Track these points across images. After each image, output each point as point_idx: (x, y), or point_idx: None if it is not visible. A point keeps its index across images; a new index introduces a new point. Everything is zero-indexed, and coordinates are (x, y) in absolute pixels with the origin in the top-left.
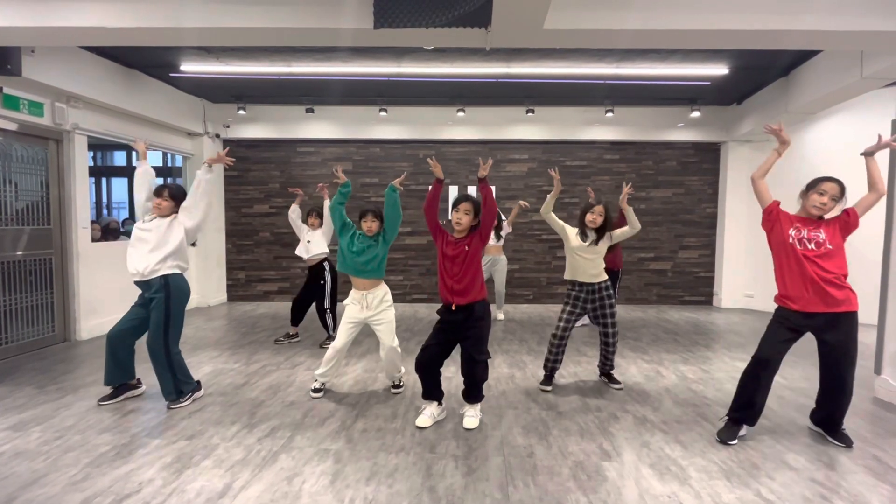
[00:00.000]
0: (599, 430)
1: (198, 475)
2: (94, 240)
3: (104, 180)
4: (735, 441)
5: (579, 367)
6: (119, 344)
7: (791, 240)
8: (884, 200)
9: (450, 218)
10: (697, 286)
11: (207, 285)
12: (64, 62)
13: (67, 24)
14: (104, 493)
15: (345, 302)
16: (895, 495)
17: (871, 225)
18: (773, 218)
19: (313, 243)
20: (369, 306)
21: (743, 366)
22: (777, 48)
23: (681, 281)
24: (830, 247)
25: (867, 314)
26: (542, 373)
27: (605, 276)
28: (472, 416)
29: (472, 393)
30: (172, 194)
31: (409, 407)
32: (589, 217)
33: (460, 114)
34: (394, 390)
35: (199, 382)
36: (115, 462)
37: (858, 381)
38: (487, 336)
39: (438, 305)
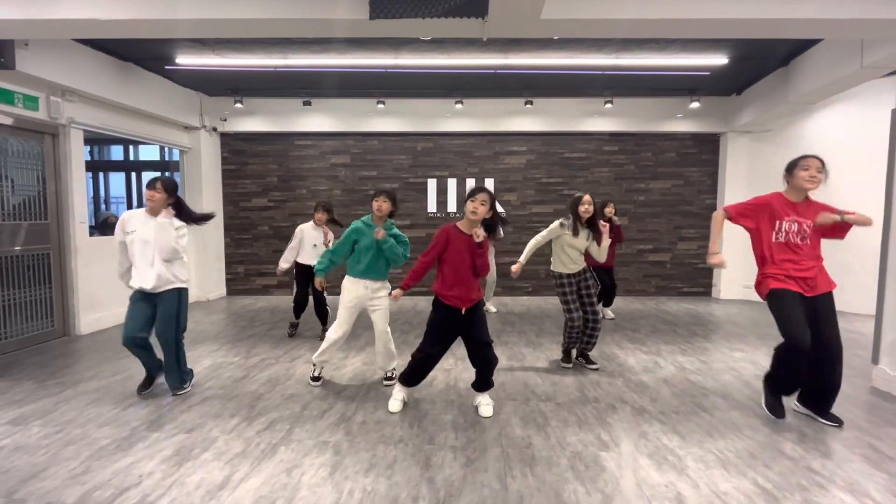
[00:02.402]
0: (597, 421)
1: (197, 468)
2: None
3: (101, 175)
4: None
5: (577, 358)
6: (143, 343)
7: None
8: (883, 191)
9: (464, 209)
10: (696, 277)
11: (206, 279)
12: (58, 55)
13: (60, 16)
14: (104, 486)
15: (343, 284)
16: (891, 483)
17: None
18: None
19: (320, 247)
20: (368, 287)
21: (741, 357)
22: (777, 37)
23: (679, 272)
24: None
25: (865, 305)
26: (540, 364)
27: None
28: (488, 405)
29: (487, 379)
30: (165, 187)
31: (408, 399)
32: (582, 209)
33: (458, 106)
34: (386, 383)
35: (191, 370)
36: (115, 455)
37: (856, 370)
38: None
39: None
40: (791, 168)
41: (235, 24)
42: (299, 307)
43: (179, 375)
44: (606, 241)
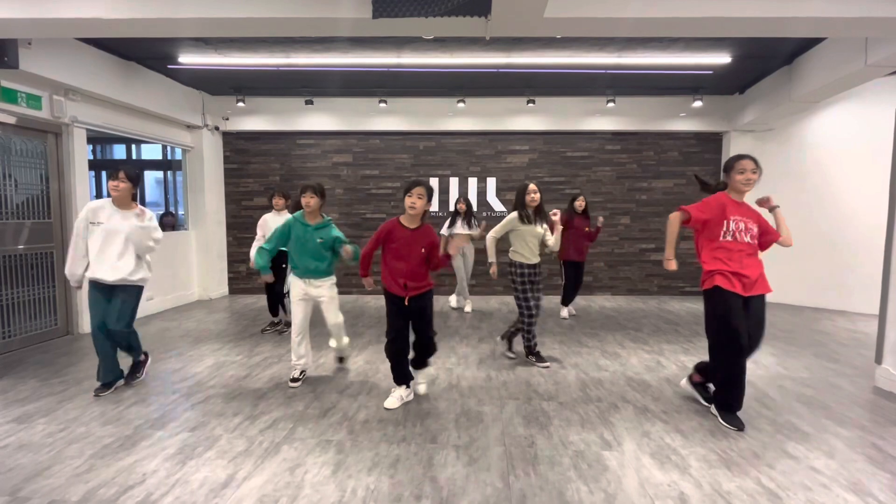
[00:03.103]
0: (600, 420)
1: (201, 466)
2: None
3: (104, 174)
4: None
5: (580, 357)
6: (106, 338)
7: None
8: (887, 190)
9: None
10: (698, 277)
11: (209, 278)
12: (61, 54)
13: (63, 15)
14: (108, 484)
15: (289, 280)
16: (895, 483)
17: (873, 215)
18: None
19: None
20: (311, 283)
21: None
22: (781, 36)
23: (682, 272)
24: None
25: (869, 304)
26: (541, 363)
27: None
28: (421, 384)
29: (423, 360)
30: (129, 176)
31: (406, 396)
32: (528, 197)
33: (461, 104)
34: (339, 364)
35: (146, 353)
36: (119, 453)
37: (859, 370)
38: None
39: (438, 298)
40: (728, 169)
41: (238, 23)
42: (272, 298)
43: (134, 365)
44: (559, 231)
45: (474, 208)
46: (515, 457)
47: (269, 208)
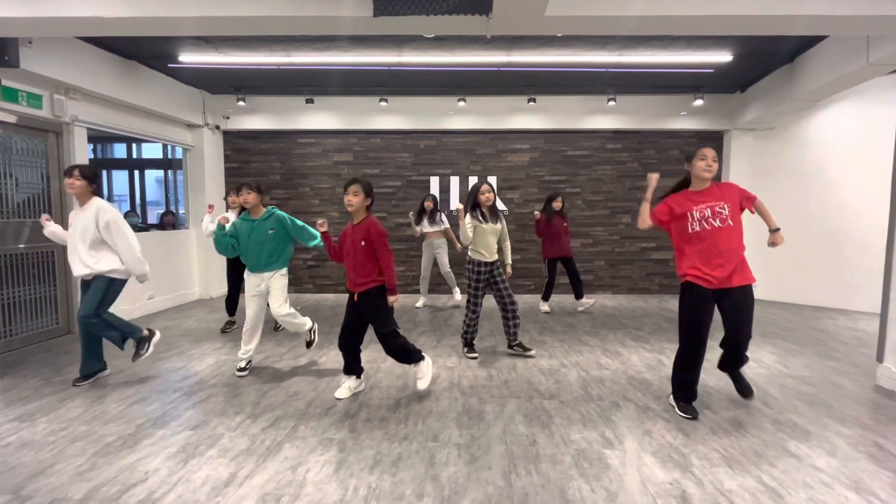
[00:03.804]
0: (601, 419)
1: (203, 464)
2: None
3: (105, 173)
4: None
5: (581, 356)
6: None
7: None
8: (888, 188)
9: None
10: None
11: (209, 277)
12: (62, 53)
13: (64, 14)
14: (110, 483)
15: (245, 275)
16: None
17: (875, 214)
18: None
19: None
20: (264, 278)
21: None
22: (782, 34)
23: None
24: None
25: (870, 303)
26: (543, 362)
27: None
28: (420, 378)
29: (401, 361)
30: (83, 173)
31: (413, 396)
32: (482, 197)
33: (461, 103)
34: (307, 348)
35: (150, 330)
36: (121, 452)
37: (861, 369)
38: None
39: (438, 297)
40: (690, 158)
41: (239, 22)
42: (232, 302)
43: (121, 336)
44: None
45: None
46: (517, 455)
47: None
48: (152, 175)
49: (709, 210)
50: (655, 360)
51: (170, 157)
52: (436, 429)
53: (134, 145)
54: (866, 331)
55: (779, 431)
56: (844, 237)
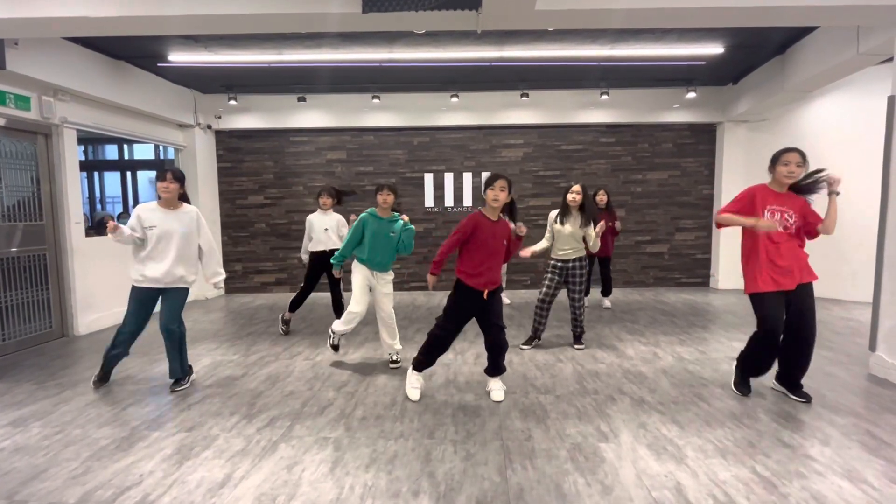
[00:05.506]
0: (597, 413)
1: (198, 466)
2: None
3: (96, 175)
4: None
5: (576, 350)
6: (130, 342)
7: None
8: (880, 178)
9: (483, 195)
10: (694, 268)
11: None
12: (49, 54)
13: (49, 14)
14: (105, 486)
15: (353, 268)
16: (889, 469)
17: (867, 204)
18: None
19: (331, 230)
20: (375, 275)
21: (739, 346)
22: (773, 24)
23: (677, 263)
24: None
25: (862, 292)
26: (539, 357)
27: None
28: (499, 390)
29: (498, 364)
30: (177, 176)
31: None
32: (569, 197)
33: (454, 99)
34: (392, 366)
35: (190, 366)
36: (116, 455)
37: (853, 358)
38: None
39: (436, 294)
40: (774, 161)
41: (227, 20)
42: (298, 301)
43: (180, 364)
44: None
45: (471, 203)
46: (513, 450)
47: (264, 206)
48: (144, 176)
49: (779, 214)
50: (651, 354)
51: (162, 157)
52: (431, 426)
53: (125, 146)
54: (860, 320)
55: (772, 421)
56: (838, 227)
